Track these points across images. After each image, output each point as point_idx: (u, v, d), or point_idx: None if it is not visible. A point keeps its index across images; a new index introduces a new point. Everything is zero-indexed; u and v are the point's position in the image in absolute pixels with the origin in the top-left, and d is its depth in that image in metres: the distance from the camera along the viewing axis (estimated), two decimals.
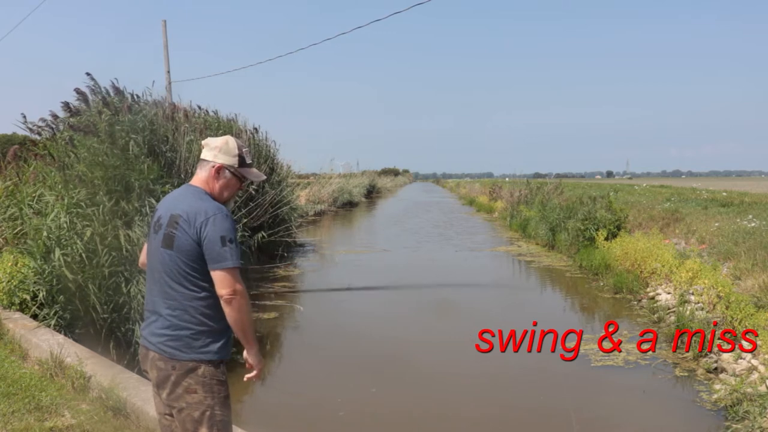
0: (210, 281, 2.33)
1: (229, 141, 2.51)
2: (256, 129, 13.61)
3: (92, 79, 7.73)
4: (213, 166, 2.46)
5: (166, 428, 2.49)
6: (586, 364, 6.10)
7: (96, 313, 5.44)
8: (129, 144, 6.71)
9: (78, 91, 7.58)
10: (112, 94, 7.74)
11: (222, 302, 2.31)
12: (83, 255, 5.51)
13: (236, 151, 2.50)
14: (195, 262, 2.31)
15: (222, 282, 2.29)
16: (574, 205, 14.50)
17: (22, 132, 8.40)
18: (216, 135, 10.67)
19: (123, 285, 5.60)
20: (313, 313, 8.62)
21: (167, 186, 6.88)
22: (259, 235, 11.14)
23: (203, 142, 2.56)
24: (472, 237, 18.11)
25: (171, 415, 2.44)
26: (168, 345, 2.33)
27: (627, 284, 9.23)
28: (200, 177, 2.49)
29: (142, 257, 2.63)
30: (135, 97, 8.31)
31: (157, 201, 6.47)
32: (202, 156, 2.51)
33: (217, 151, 2.47)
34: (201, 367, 2.33)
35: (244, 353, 2.45)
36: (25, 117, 7.62)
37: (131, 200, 6.18)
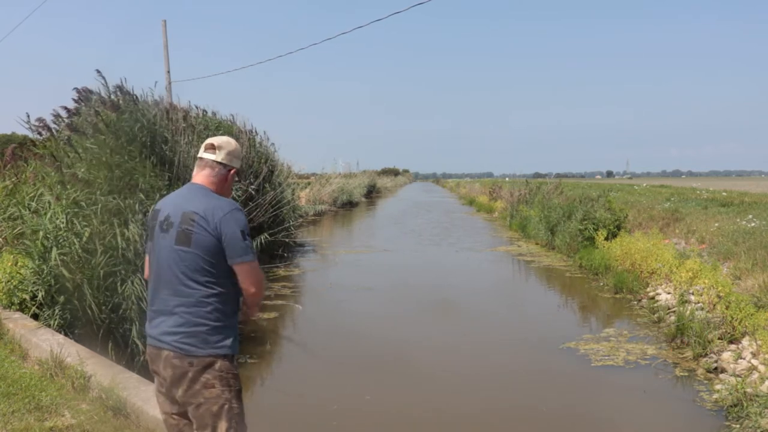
0: (224, 277, 2.39)
1: (237, 145, 2.60)
2: (255, 131, 13.59)
3: (102, 76, 7.72)
4: (229, 170, 2.53)
5: (173, 428, 2.50)
6: (586, 364, 6.10)
7: (93, 313, 5.44)
8: (130, 143, 6.72)
9: (78, 90, 7.58)
10: (119, 93, 7.73)
11: (247, 293, 2.45)
12: (81, 255, 5.51)
13: (242, 154, 2.59)
14: (213, 257, 2.35)
15: (248, 275, 2.41)
16: (574, 204, 14.50)
17: (21, 132, 8.41)
18: (215, 135, 10.70)
19: (119, 285, 5.60)
20: (313, 313, 8.62)
21: (169, 189, 6.88)
22: (262, 236, 11.15)
23: (212, 142, 2.54)
24: (472, 237, 18.11)
25: (179, 414, 2.45)
26: (184, 342, 2.35)
27: (627, 284, 9.23)
28: (209, 178, 2.50)
29: (148, 269, 2.59)
30: (136, 97, 8.31)
31: (158, 200, 6.47)
32: (214, 158, 2.51)
33: (232, 155, 2.54)
34: (218, 362, 2.37)
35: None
36: (28, 116, 7.62)
37: (134, 199, 6.18)
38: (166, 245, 2.41)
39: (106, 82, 7.76)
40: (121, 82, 7.84)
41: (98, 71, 7.70)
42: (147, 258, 2.60)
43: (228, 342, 2.40)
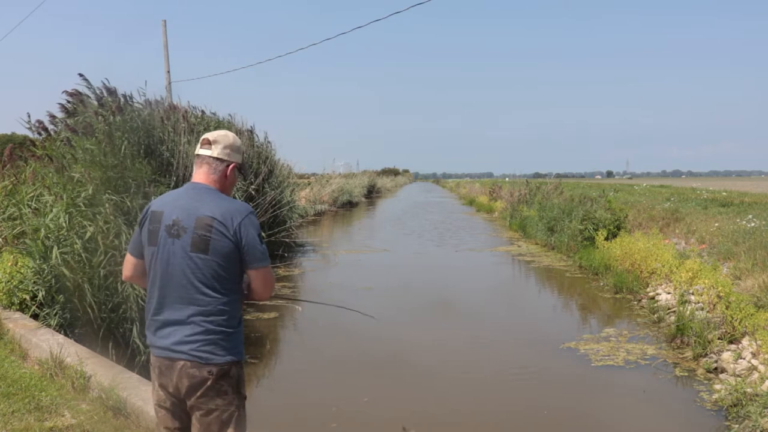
0: (236, 282, 2.33)
1: (236, 138, 2.47)
2: (250, 130, 13.58)
3: (85, 79, 7.73)
4: (228, 166, 2.40)
5: None
6: (586, 364, 6.10)
7: (94, 313, 5.44)
8: (124, 145, 6.70)
9: (68, 92, 7.58)
10: (106, 94, 7.74)
11: (260, 296, 2.41)
12: (82, 255, 5.51)
13: (243, 148, 2.50)
14: (229, 263, 2.28)
15: (264, 278, 2.37)
16: (572, 204, 14.50)
17: (21, 131, 8.41)
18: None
19: (119, 285, 5.59)
20: (313, 313, 8.62)
21: (163, 187, 6.87)
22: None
23: (207, 137, 2.41)
24: (472, 237, 18.11)
25: (181, 429, 2.39)
26: (202, 350, 2.26)
27: (627, 284, 9.23)
28: (209, 176, 2.38)
29: (129, 270, 2.47)
30: (128, 98, 8.29)
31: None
32: (210, 154, 2.38)
33: (230, 149, 2.41)
34: (233, 368, 2.32)
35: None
36: (29, 116, 7.62)
37: (130, 200, 6.18)
38: (178, 251, 2.27)
39: (90, 85, 7.76)
40: (104, 83, 7.83)
41: (81, 74, 7.69)
42: (129, 258, 2.45)
43: (240, 348, 2.35)
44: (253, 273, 2.34)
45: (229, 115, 13.00)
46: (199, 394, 2.28)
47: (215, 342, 2.27)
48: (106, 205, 5.84)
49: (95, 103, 7.57)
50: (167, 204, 2.36)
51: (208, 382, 2.27)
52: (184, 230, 2.27)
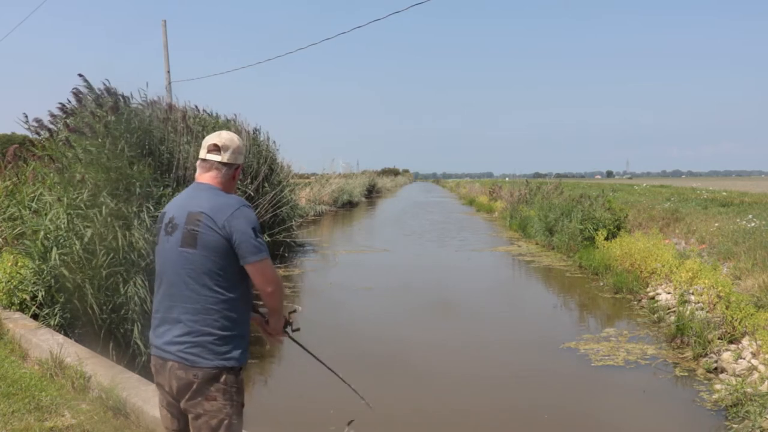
0: (233, 281, 2.26)
1: (240, 139, 2.47)
2: (256, 129, 13.66)
3: (85, 80, 7.74)
4: (235, 168, 2.41)
5: None
6: (586, 364, 6.10)
7: (94, 313, 5.44)
8: (122, 145, 6.69)
9: (76, 91, 7.58)
10: (106, 94, 7.74)
11: (264, 293, 2.35)
12: (82, 255, 5.51)
13: (244, 148, 2.51)
14: (222, 259, 2.22)
15: (263, 274, 2.28)
16: (571, 204, 14.49)
17: (21, 132, 8.41)
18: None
19: (121, 285, 5.59)
20: (313, 313, 8.62)
21: (166, 189, 6.87)
22: (264, 236, 11.14)
23: (215, 142, 2.37)
24: (472, 237, 18.11)
25: (179, 430, 2.38)
26: (189, 352, 2.22)
27: (627, 284, 9.23)
28: (215, 179, 2.36)
29: None
30: (125, 99, 8.28)
31: (156, 202, 6.45)
32: (220, 159, 2.35)
33: (237, 153, 2.40)
34: (223, 374, 2.24)
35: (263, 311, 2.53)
36: (26, 116, 7.63)
37: (130, 201, 6.17)
38: (171, 248, 2.28)
39: (90, 85, 7.76)
40: (106, 83, 7.84)
41: (81, 75, 7.69)
42: None
43: (236, 353, 2.28)
44: (249, 269, 2.26)
45: (234, 115, 13.09)
46: (187, 396, 2.25)
47: (202, 344, 2.22)
48: (104, 207, 5.83)
49: (92, 103, 7.57)
50: (171, 203, 2.42)
51: (194, 386, 2.23)
52: (176, 227, 2.28)
